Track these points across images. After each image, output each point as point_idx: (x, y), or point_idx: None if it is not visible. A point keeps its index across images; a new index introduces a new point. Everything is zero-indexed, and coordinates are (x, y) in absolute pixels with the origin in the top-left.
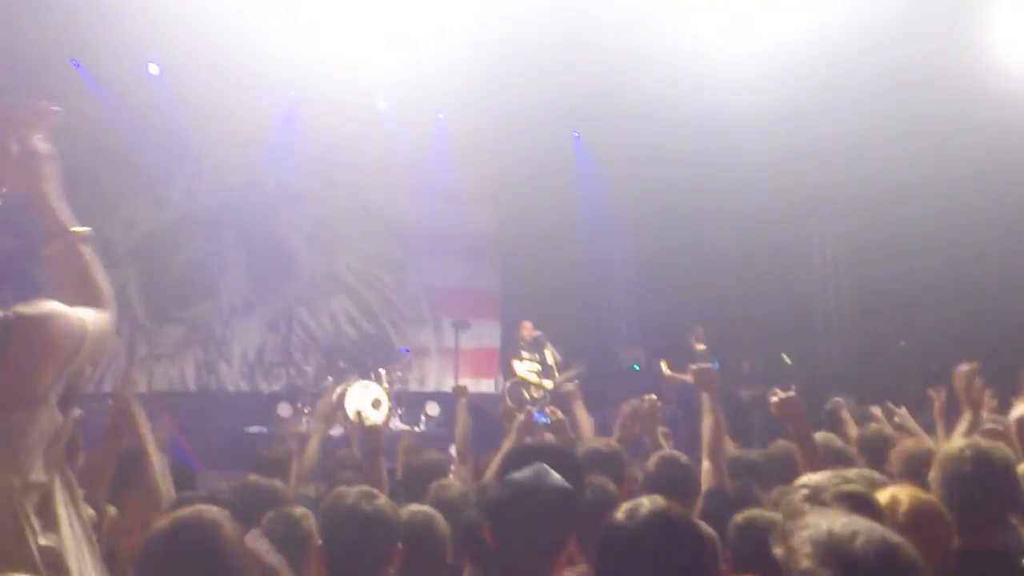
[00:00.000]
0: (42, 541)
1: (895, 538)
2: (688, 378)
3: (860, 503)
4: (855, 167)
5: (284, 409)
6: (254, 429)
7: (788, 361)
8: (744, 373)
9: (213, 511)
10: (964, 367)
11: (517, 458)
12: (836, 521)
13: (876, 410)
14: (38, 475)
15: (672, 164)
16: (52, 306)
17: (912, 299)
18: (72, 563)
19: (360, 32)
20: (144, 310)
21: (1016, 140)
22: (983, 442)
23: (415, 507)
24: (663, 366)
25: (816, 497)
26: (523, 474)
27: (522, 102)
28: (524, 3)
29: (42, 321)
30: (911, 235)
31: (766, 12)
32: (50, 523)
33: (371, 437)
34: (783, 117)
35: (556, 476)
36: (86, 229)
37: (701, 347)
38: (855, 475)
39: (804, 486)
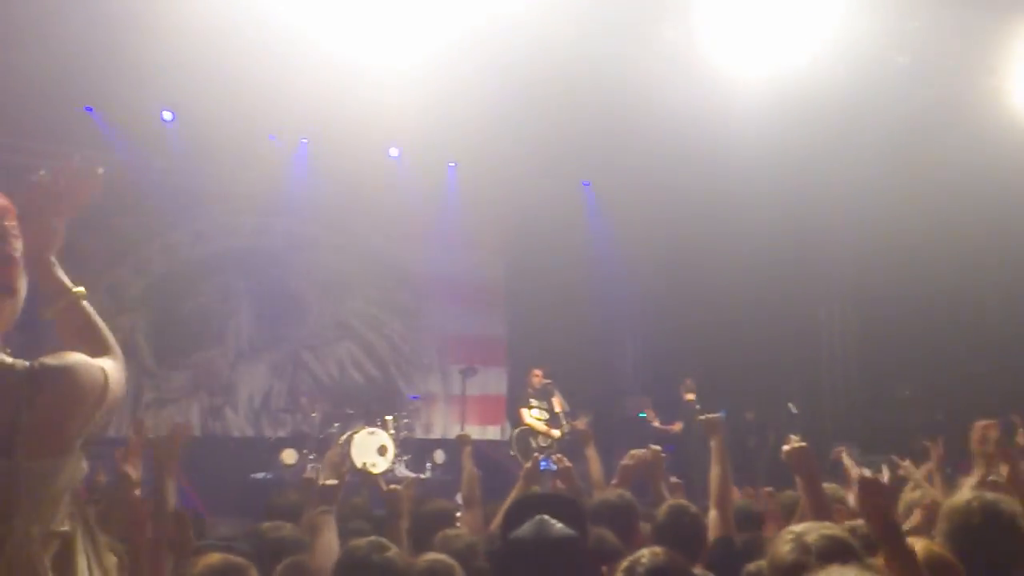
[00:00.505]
0: None
1: None
2: (675, 428)
3: (841, 548)
4: (863, 217)
5: (289, 455)
6: (259, 475)
7: (795, 410)
8: (748, 422)
9: (240, 559)
10: (982, 423)
11: (519, 509)
12: None
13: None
14: (60, 524)
15: (682, 215)
16: (77, 357)
17: (917, 348)
18: None
19: (373, 79)
20: (151, 355)
21: (1020, 191)
22: (989, 494)
23: (433, 555)
24: (648, 416)
25: (799, 541)
26: (525, 529)
27: (533, 150)
28: (537, 53)
29: (68, 371)
30: (916, 285)
31: (778, 64)
32: (68, 574)
33: (392, 503)
34: (794, 169)
35: (559, 527)
36: (82, 289)
37: (691, 397)
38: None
39: (790, 532)
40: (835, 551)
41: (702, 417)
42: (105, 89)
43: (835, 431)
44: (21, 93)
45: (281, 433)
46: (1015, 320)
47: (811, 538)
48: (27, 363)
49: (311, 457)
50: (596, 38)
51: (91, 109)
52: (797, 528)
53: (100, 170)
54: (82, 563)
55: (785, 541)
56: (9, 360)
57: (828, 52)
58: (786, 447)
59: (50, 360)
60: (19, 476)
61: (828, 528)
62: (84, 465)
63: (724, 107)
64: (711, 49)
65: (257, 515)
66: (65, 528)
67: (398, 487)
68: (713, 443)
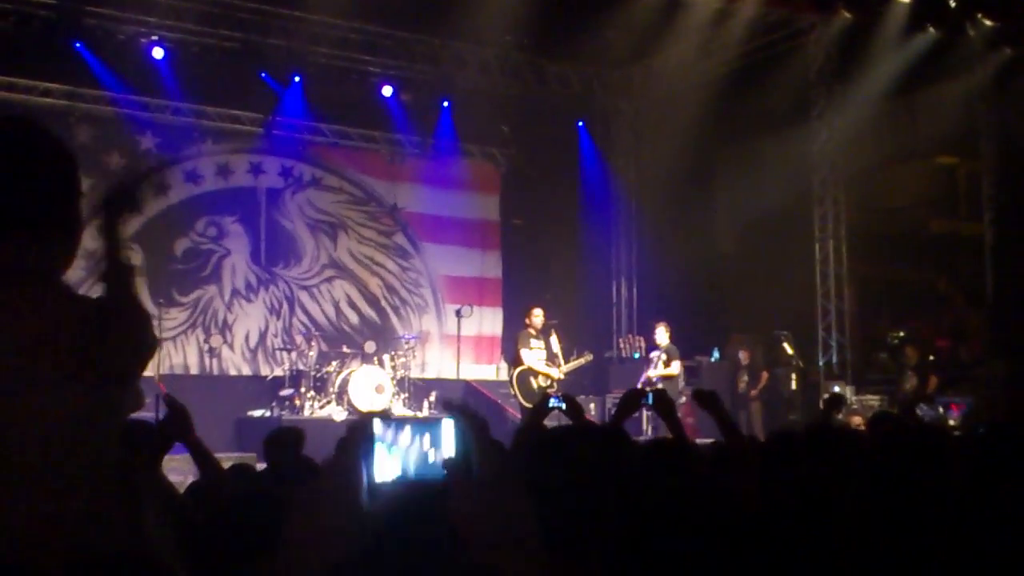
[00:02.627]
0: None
1: None
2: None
3: None
4: None
5: (286, 394)
6: (256, 413)
7: (789, 350)
8: (738, 362)
9: None
10: None
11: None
12: None
13: None
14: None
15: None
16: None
17: None
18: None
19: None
20: (147, 293)
21: None
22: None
23: None
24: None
25: None
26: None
27: (529, 89)
28: None
29: (135, 310)
30: None
31: None
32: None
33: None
34: None
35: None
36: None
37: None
38: None
39: None
40: None
41: (695, 390)
42: (93, 24)
43: (827, 373)
44: (10, 29)
45: (278, 372)
46: None
47: None
48: (96, 297)
49: (308, 395)
50: None
51: (81, 45)
52: None
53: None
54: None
55: None
56: (79, 293)
57: None
58: (694, 389)
59: (117, 299)
60: (88, 400)
61: None
62: (142, 398)
63: None
64: None
65: (254, 451)
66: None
67: None
68: (713, 416)
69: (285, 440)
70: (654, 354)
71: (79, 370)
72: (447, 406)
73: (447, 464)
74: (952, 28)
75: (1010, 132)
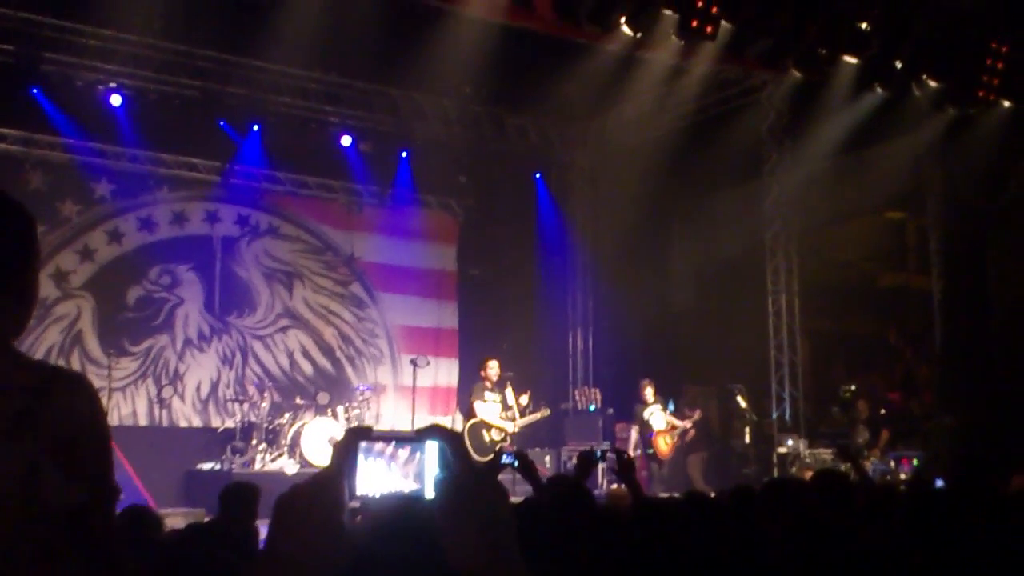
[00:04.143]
0: None
1: None
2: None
3: None
4: None
5: (237, 446)
6: (207, 466)
7: (743, 403)
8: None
9: None
10: None
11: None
12: None
13: None
14: None
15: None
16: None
17: None
18: None
19: (328, 67)
20: (97, 343)
21: None
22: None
23: None
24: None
25: None
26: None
27: (487, 140)
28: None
29: (87, 385)
30: None
31: None
32: None
33: None
34: None
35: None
36: None
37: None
38: None
39: None
40: None
41: (618, 451)
42: (53, 72)
43: (780, 426)
44: None
45: (229, 423)
46: None
47: None
48: (50, 364)
49: (260, 447)
50: None
51: (38, 91)
52: None
53: None
54: None
55: None
56: (32, 359)
57: None
58: (621, 458)
59: (72, 371)
60: (22, 465)
61: None
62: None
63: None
64: None
65: (204, 506)
66: None
67: None
68: (623, 481)
69: (240, 496)
70: (647, 411)
71: (17, 432)
72: (420, 433)
73: (436, 482)
74: (899, 88)
75: (956, 188)
